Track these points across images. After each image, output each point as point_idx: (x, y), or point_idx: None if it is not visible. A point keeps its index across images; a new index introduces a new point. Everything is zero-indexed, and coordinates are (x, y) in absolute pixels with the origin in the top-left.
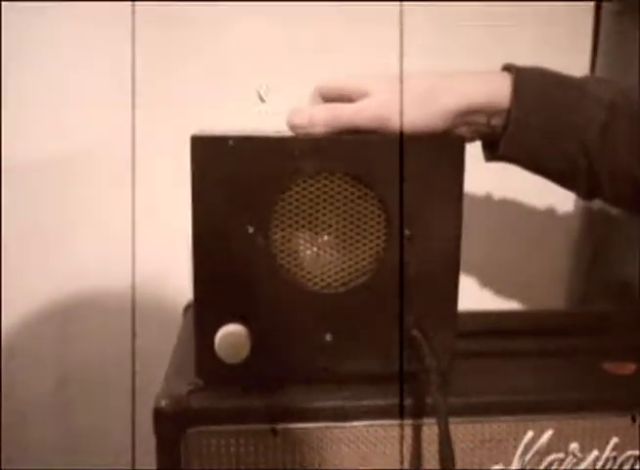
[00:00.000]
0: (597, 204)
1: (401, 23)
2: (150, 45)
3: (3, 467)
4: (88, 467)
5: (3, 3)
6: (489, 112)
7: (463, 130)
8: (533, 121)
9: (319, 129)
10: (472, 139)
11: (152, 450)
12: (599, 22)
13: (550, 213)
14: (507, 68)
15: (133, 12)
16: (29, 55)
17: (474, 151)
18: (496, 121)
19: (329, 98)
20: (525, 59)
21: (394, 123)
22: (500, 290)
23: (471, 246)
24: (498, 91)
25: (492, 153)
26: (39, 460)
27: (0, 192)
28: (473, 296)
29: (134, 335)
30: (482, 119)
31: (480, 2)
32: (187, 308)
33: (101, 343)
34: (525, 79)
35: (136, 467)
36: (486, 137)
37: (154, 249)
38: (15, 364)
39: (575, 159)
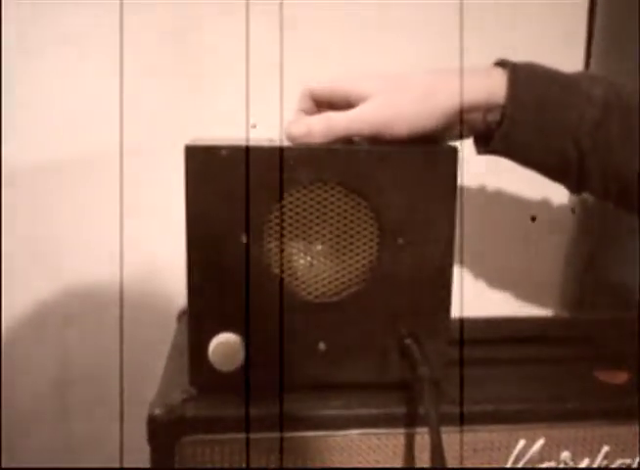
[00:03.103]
0: (591, 213)
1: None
2: (141, 49)
3: (3, 467)
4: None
5: (3, 2)
6: (486, 108)
7: (458, 127)
8: (527, 118)
9: (317, 139)
10: (465, 136)
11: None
12: (593, 19)
13: (544, 220)
14: (501, 63)
15: (121, 11)
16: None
17: (468, 155)
18: (491, 117)
19: (321, 101)
20: (520, 49)
21: (393, 128)
22: (493, 297)
23: (464, 253)
24: (494, 88)
25: (484, 146)
26: (39, 461)
27: (0, 197)
28: (465, 303)
29: (122, 341)
30: (478, 116)
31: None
32: (181, 315)
33: (100, 346)
34: (520, 76)
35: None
36: (480, 132)
37: (147, 250)
38: (14, 367)
39: (567, 155)
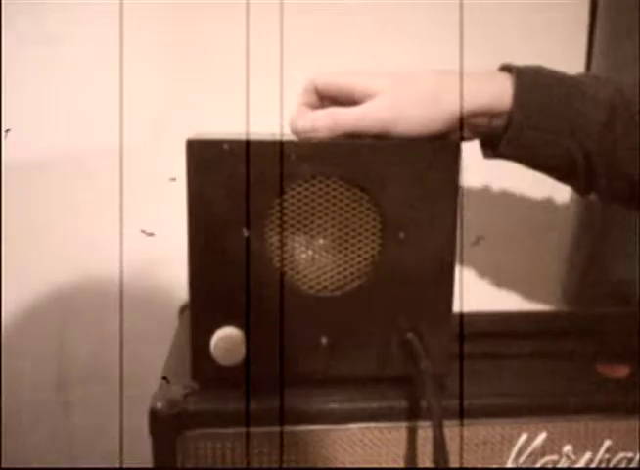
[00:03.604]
0: (592, 209)
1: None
2: (142, 46)
3: (3, 466)
4: (86, 466)
5: (3, 2)
6: (491, 113)
7: (463, 130)
8: (534, 123)
9: (322, 134)
10: (470, 138)
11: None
12: (595, 9)
13: (545, 215)
14: (506, 67)
15: (121, 10)
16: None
17: (471, 151)
18: (497, 122)
19: (326, 95)
20: (522, 49)
21: (398, 128)
22: (494, 291)
23: (465, 247)
24: (500, 94)
25: (492, 151)
26: (38, 459)
27: (0, 194)
28: (466, 299)
29: (122, 335)
30: (484, 121)
31: None
32: (183, 309)
33: (100, 342)
34: (526, 81)
35: (134, 466)
36: (486, 136)
37: (148, 245)
38: (13, 365)
39: (574, 158)
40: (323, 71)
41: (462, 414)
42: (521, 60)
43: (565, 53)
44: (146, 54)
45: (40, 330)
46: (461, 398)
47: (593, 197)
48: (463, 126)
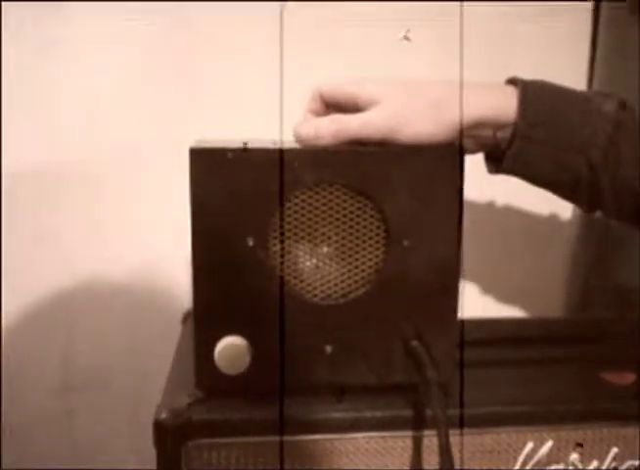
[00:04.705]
0: (595, 215)
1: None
2: (152, 50)
3: (3, 468)
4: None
5: (3, 3)
6: (495, 125)
7: (467, 142)
8: (539, 136)
9: (326, 141)
10: (474, 151)
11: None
12: (597, 22)
13: (549, 220)
14: (512, 81)
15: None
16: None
17: (473, 158)
18: (501, 135)
19: (331, 103)
20: (524, 62)
21: (401, 135)
22: (498, 297)
23: (469, 253)
24: (505, 105)
25: (496, 165)
26: (40, 465)
27: (0, 194)
28: (470, 303)
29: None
30: (488, 133)
31: (479, 2)
32: (186, 317)
33: (103, 347)
34: (531, 94)
35: None
36: (490, 149)
37: (151, 252)
38: (16, 371)
39: (579, 173)
40: (328, 80)
41: (462, 423)
42: (523, 73)
43: (567, 69)
44: (146, 58)
45: (43, 336)
46: (461, 406)
47: (598, 214)
48: (463, 134)
